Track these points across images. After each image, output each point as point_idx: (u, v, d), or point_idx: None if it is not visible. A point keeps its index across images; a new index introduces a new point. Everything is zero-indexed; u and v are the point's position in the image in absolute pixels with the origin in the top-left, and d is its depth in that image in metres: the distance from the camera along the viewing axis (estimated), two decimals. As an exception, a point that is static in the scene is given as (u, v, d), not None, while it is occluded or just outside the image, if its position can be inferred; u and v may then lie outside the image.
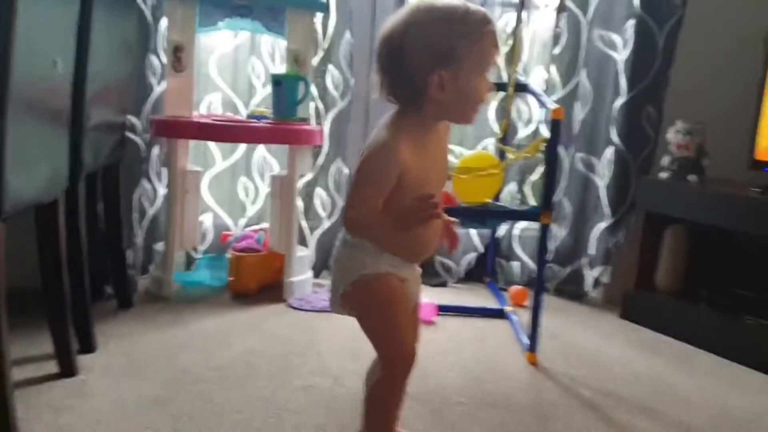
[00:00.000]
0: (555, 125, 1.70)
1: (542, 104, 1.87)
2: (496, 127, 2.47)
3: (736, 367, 1.93)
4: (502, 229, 2.56)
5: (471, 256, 2.57)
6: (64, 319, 1.57)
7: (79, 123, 1.58)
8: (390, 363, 1.20)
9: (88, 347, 1.72)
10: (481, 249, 2.57)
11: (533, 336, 1.84)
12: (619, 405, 1.63)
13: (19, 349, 1.68)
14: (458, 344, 1.96)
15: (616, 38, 2.36)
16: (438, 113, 1.14)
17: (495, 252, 2.56)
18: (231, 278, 2.24)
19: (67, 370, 1.59)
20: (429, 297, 2.27)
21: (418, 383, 1.65)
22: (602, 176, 2.42)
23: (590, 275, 2.45)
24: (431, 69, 1.08)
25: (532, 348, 1.85)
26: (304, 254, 2.32)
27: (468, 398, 1.61)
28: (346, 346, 1.84)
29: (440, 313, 2.18)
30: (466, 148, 2.49)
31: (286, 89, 2.16)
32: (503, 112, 2.28)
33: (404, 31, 1.10)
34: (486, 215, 1.91)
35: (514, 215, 2.16)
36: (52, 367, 1.59)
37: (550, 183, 1.75)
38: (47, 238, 1.53)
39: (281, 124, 2.15)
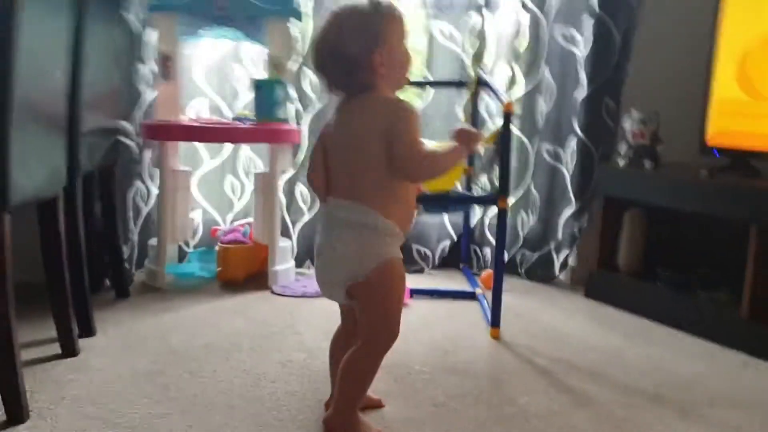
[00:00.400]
0: (506, 118, 1.86)
1: (498, 99, 2.03)
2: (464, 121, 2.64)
3: (687, 337, 2.09)
4: (475, 218, 2.73)
5: (445, 244, 2.74)
6: (65, 305, 1.73)
7: (74, 127, 1.75)
8: (385, 339, 1.35)
9: (88, 331, 1.89)
10: (455, 237, 2.74)
11: (495, 312, 2.00)
12: (571, 371, 1.79)
13: (28, 334, 1.86)
14: (428, 323, 2.12)
15: (576, 34, 2.53)
16: (388, 84, 1.36)
17: (469, 239, 2.73)
18: (219, 269, 2.42)
19: (70, 350, 1.75)
20: (407, 282, 2.43)
21: (386, 357, 1.82)
22: (568, 166, 2.59)
23: (558, 258, 2.61)
24: (370, 51, 1.30)
25: (494, 323, 2.01)
26: (287, 245, 2.49)
27: (430, 367, 1.77)
28: (322, 327, 2.00)
29: (413, 296, 2.35)
30: (438, 141, 2.64)
31: (266, 93, 2.33)
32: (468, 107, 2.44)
33: (338, 32, 1.32)
34: (448, 202, 2.07)
35: (473, 200, 2.33)
36: (56, 349, 1.76)
37: (504, 170, 1.91)
38: (49, 233, 1.69)
39: (262, 125, 2.32)
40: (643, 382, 1.74)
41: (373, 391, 1.57)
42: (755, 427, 1.50)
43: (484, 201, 2.24)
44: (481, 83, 2.29)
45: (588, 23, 2.47)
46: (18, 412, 1.39)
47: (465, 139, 1.40)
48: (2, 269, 1.36)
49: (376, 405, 1.53)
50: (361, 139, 1.32)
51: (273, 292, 2.36)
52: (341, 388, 1.37)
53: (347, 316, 1.45)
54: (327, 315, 1.98)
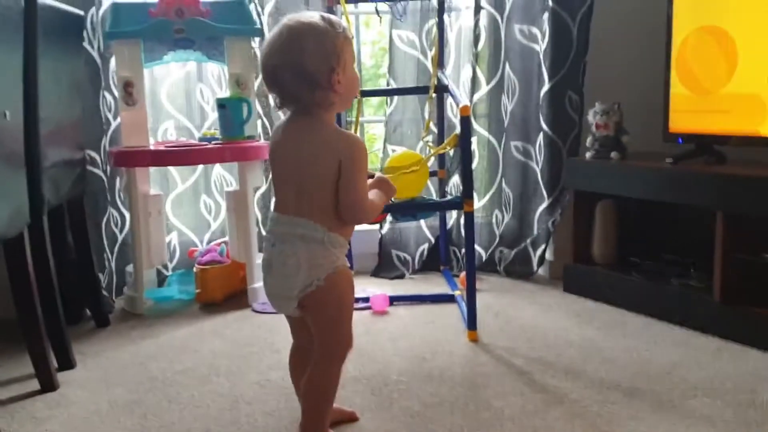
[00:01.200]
0: (464, 121, 1.87)
1: (456, 102, 2.04)
2: (434, 128, 2.64)
3: (663, 325, 2.11)
4: (451, 220, 2.74)
5: (423, 247, 2.75)
6: (40, 340, 1.74)
7: (35, 163, 1.75)
8: (339, 349, 1.37)
9: (67, 364, 1.90)
10: (432, 240, 2.75)
11: (471, 314, 2.02)
12: (547, 370, 1.80)
13: (6, 372, 1.88)
14: (407, 330, 2.13)
15: (535, 31, 2.54)
16: (340, 103, 1.37)
17: (447, 241, 2.74)
18: (198, 290, 2.42)
19: (48, 385, 1.76)
20: (387, 289, 2.45)
21: (363, 368, 1.84)
22: (537, 161, 2.60)
23: (535, 254, 2.63)
24: (331, 70, 1.30)
25: (471, 326, 2.02)
26: (265, 261, 2.50)
27: (408, 376, 1.78)
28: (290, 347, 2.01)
29: (393, 303, 2.36)
30: (409, 148, 2.66)
31: (230, 111, 2.34)
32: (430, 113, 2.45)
33: (300, 47, 1.28)
34: (415, 208, 2.08)
35: (439, 206, 2.34)
36: (34, 384, 1.77)
37: (466, 173, 1.92)
38: (17, 271, 1.70)
39: (229, 143, 2.33)
40: (619, 375, 1.75)
41: (349, 405, 1.59)
42: (727, 415, 1.52)
43: (450, 205, 2.26)
44: (441, 87, 2.30)
45: (545, 18, 2.48)
46: (-7, 455, 1.41)
47: (388, 189, 1.46)
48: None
49: (350, 418, 1.54)
50: (313, 163, 1.32)
51: (253, 310, 2.37)
52: (307, 407, 1.39)
53: (299, 332, 1.46)
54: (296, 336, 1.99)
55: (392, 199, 2.03)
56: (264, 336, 2.11)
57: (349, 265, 1.40)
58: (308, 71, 1.29)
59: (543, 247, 2.60)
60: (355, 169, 1.32)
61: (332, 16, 1.36)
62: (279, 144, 1.38)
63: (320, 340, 1.38)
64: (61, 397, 1.73)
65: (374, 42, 3.14)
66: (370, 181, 1.42)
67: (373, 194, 1.41)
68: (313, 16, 1.33)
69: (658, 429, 1.46)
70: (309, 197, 1.33)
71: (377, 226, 2.74)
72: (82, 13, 2.17)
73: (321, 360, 1.37)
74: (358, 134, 2.28)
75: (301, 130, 1.35)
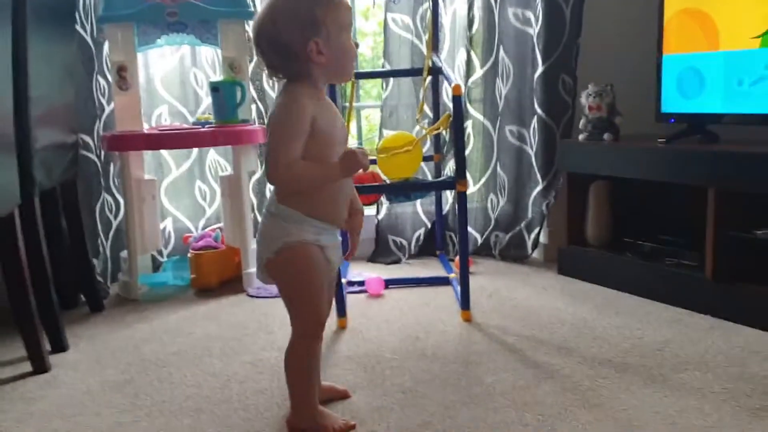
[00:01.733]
0: (456, 101, 1.87)
1: (449, 82, 2.03)
2: (429, 112, 2.64)
3: (656, 305, 2.11)
4: (447, 205, 2.74)
5: (420, 232, 2.75)
6: (31, 322, 1.74)
7: (25, 144, 1.76)
8: (302, 325, 1.36)
9: (60, 347, 1.90)
10: (428, 225, 2.75)
11: (464, 294, 2.02)
12: (540, 347, 1.80)
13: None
14: (402, 312, 2.13)
15: (529, 15, 2.54)
16: (324, 75, 1.33)
17: (443, 226, 2.74)
18: (193, 276, 2.42)
19: (40, 367, 1.77)
20: (383, 274, 2.45)
21: (357, 348, 1.84)
22: (531, 145, 2.60)
23: (529, 237, 2.62)
24: (306, 40, 1.27)
25: (464, 306, 2.03)
26: (259, 246, 2.50)
27: (401, 354, 1.78)
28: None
29: (389, 286, 2.36)
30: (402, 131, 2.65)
31: (224, 95, 2.33)
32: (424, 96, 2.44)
33: (273, 17, 1.28)
34: (408, 188, 2.08)
35: (433, 186, 2.34)
36: (27, 367, 1.77)
37: (459, 153, 1.92)
38: (7, 252, 1.71)
39: (223, 127, 2.33)
40: (611, 351, 1.75)
41: (342, 383, 1.59)
42: (717, 387, 1.52)
43: (443, 185, 2.25)
44: (435, 70, 2.30)
45: (538, 2, 2.47)
46: (-16, 432, 1.41)
47: (348, 162, 1.33)
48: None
49: (342, 396, 1.54)
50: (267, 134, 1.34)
51: (248, 295, 2.37)
52: (288, 384, 1.39)
53: None
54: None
55: (386, 179, 2.05)
56: (258, 319, 2.11)
57: (312, 240, 1.34)
58: (282, 42, 1.28)
59: (537, 230, 2.60)
60: (271, 128, 1.30)
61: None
62: None
63: (290, 315, 1.39)
64: (53, 378, 1.73)
65: (376, 33, 3.12)
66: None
67: (321, 165, 1.32)
68: None
69: (648, 401, 1.46)
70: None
71: (374, 211, 2.74)
72: (74, -5, 2.17)
73: (292, 335, 1.38)
74: (353, 118, 2.29)
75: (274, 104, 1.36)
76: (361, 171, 1.37)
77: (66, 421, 1.48)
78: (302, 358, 1.38)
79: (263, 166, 2.59)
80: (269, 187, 2.63)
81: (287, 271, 1.35)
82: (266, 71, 1.35)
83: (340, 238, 1.43)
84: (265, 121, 2.54)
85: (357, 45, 1.37)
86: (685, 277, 2.07)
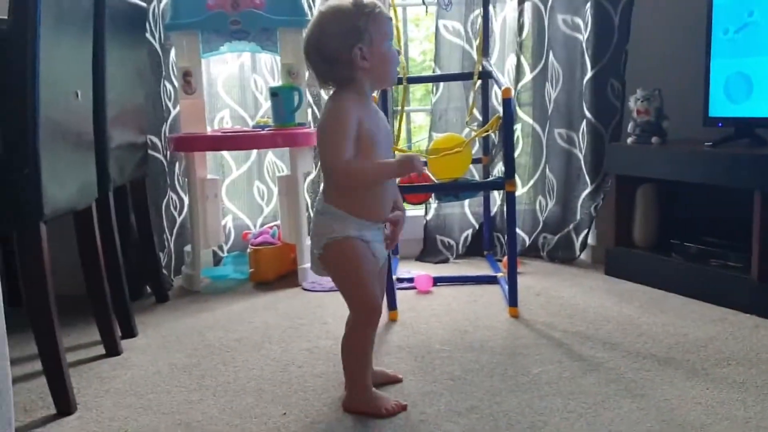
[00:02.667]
0: (506, 103, 1.95)
1: (499, 86, 2.11)
2: (478, 115, 2.71)
3: (701, 304, 2.14)
4: (495, 207, 2.81)
5: (467, 233, 2.83)
6: (105, 307, 1.87)
7: (102, 142, 1.90)
8: (357, 313, 1.47)
9: (129, 333, 2.04)
10: (476, 225, 2.82)
11: (512, 291, 2.08)
12: (585, 342, 1.86)
13: (75, 338, 2.03)
14: (450, 307, 2.21)
15: (578, 21, 2.60)
16: (369, 80, 1.45)
17: (491, 227, 2.80)
18: (251, 270, 2.55)
19: (112, 350, 1.90)
20: (431, 272, 2.53)
21: (408, 339, 1.93)
22: (580, 148, 2.65)
23: (578, 239, 2.67)
24: (350, 47, 1.39)
25: (512, 303, 2.09)
26: (314, 243, 2.61)
27: (450, 346, 1.86)
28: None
29: (437, 283, 2.44)
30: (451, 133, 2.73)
31: (282, 99, 2.46)
32: (474, 100, 2.52)
33: (320, 28, 1.42)
34: (457, 188, 2.16)
35: (482, 186, 2.41)
36: (101, 350, 1.91)
37: (509, 154, 1.99)
38: (86, 242, 1.84)
39: (281, 130, 2.45)
40: (655, 347, 1.80)
41: (394, 369, 1.68)
42: (760, 381, 1.56)
43: (492, 186, 2.33)
44: (485, 74, 2.37)
45: (588, 7, 2.53)
46: (66, 406, 1.55)
47: (405, 163, 1.43)
48: (42, 274, 1.50)
49: (394, 380, 1.62)
50: (317, 137, 1.47)
51: (303, 289, 2.48)
52: (344, 368, 1.50)
53: None
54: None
55: (435, 179, 2.14)
56: (313, 310, 2.21)
57: (356, 236, 1.44)
58: (328, 51, 1.40)
59: (585, 232, 2.65)
60: (325, 132, 1.42)
61: (367, 0, 1.42)
62: None
63: (347, 304, 1.50)
64: (125, 360, 1.86)
65: (426, 38, 3.22)
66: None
67: (377, 163, 1.42)
68: (343, 1, 1.41)
69: (690, 393, 1.51)
70: (325, 174, 1.49)
71: (422, 212, 2.82)
72: (144, 5, 2.32)
73: (350, 321, 1.49)
74: (403, 123, 2.38)
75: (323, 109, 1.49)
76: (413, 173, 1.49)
77: (139, 398, 1.60)
78: (357, 343, 1.48)
79: (317, 168, 2.70)
80: (322, 188, 2.73)
81: (336, 263, 1.46)
82: (317, 81, 1.48)
83: (386, 232, 1.53)
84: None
85: (399, 52, 1.49)
86: (730, 278, 2.10)
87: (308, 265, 2.51)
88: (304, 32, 2.48)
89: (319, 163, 1.53)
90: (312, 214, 2.71)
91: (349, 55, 1.39)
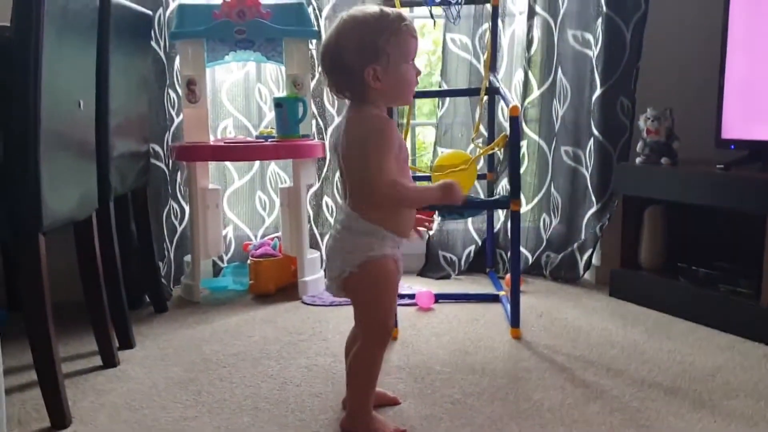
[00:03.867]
0: (513, 121, 1.92)
1: (506, 103, 2.08)
2: (484, 131, 2.68)
3: (708, 331, 2.10)
4: (498, 223, 2.78)
5: (470, 249, 2.79)
6: (104, 318, 1.85)
7: (104, 152, 1.88)
8: (374, 334, 1.42)
9: (127, 344, 2.01)
10: (479, 242, 2.79)
11: (514, 312, 2.05)
12: (589, 367, 1.82)
13: (72, 348, 2.00)
14: (451, 326, 2.18)
15: (589, 37, 2.57)
16: (382, 99, 1.40)
17: (493, 244, 2.77)
18: (251, 281, 2.52)
19: (109, 362, 1.87)
20: (433, 288, 2.50)
21: (408, 359, 1.89)
22: (587, 166, 2.62)
23: (582, 259, 2.64)
24: (365, 65, 1.34)
25: (514, 324, 2.06)
26: (315, 256, 2.58)
27: (450, 367, 1.83)
28: (349, 332, 2.08)
29: (438, 300, 2.40)
30: (456, 149, 2.70)
31: (287, 110, 2.43)
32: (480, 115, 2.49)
33: (338, 39, 1.36)
34: (462, 206, 2.12)
35: (487, 204, 2.38)
36: (98, 361, 1.88)
37: (514, 173, 1.96)
38: (85, 253, 1.81)
39: (285, 141, 2.42)
40: (661, 375, 1.76)
41: (393, 391, 1.65)
42: (769, 415, 1.52)
43: (497, 204, 2.30)
44: (492, 90, 2.35)
45: (599, 23, 2.50)
46: (60, 419, 1.51)
47: (447, 191, 1.40)
48: (40, 285, 1.47)
49: (392, 402, 1.59)
50: (349, 150, 1.39)
51: (303, 302, 2.44)
52: (349, 386, 1.45)
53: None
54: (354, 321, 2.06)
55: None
56: (313, 325, 2.18)
57: (390, 254, 1.41)
58: (344, 63, 1.35)
59: (590, 251, 2.61)
60: (369, 148, 1.34)
61: (392, 12, 1.37)
62: (335, 136, 1.47)
63: (359, 324, 1.45)
64: (122, 372, 1.83)
65: (431, 52, 3.19)
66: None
67: (420, 187, 1.44)
68: (367, 10, 1.37)
69: (697, 426, 1.48)
70: (350, 185, 1.41)
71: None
72: (150, 13, 2.29)
73: (361, 342, 1.44)
74: (408, 137, 2.35)
75: (347, 120, 1.42)
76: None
77: (134, 413, 1.57)
78: (371, 365, 1.44)
79: (320, 180, 2.67)
80: (325, 201, 2.71)
81: (368, 283, 1.40)
82: (329, 89, 1.43)
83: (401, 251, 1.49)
84: (326, 136, 2.63)
85: (419, 72, 1.42)
86: (739, 304, 2.06)
87: (309, 278, 2.50)
88: (310, 43, 2.53)
89: (344, 177, 1.44)
90: (317, 227, 2.71)
91: (362, 73, 1.34)
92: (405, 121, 2.30)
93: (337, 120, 2.64)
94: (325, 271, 1.49)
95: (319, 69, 1.44)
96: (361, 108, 1.40)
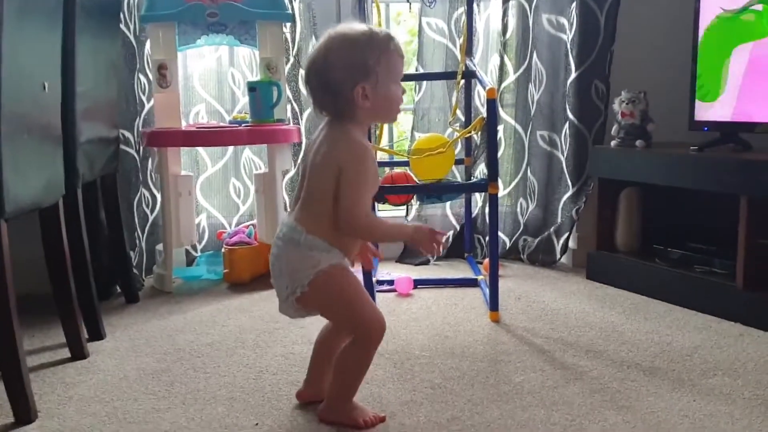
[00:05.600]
0: (490, 104, 1.90)
1: (483, 86, 2.06)
2: (461, 116, 2.66)
3: (685, 311, 2.11)
4: (476, 208, 2.76)
5: (448, 235, 2.77)
6: (71, 309, 1.79)
7: (71, 137, 1.82)
8: (366, 334, 1.38)
9: (97, 335, 1.95)
10: (457, 227, 2.77)
11: (493, 296, 2.04)
12: (568, 349, 1.82)
13: (39, 341, 1.94)
14: (431, 311, 2.16)
15: (563, 21, 2.56)
16: (369, 117, 1.40)
17: (471, 229, 2.76)
18: (226, 270, 2.47)
19: (78, 354, 1.82)
20: (412, 274, 2.48)
21: (386, 344, 1.85)
22: (563, 150, 2.61)
23: (558, 242, 2.63)
24: (354, 84, 1.31)
25: (493, 307, 2.04)
26: (291, 243, 2.54)
27: (430, 352, 1.81)
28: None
29: (417, 286, 2.38)
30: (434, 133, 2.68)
31: (260, 94, 2.38)
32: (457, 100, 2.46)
33: (325, 57, 1.33)
34: (440, 190, 2.11)
35: (465, 188, 2.37)
36: (66, 353, 1.82)
37: (492, 156, 1.95)
38: (51, 241, 1.76)
39: (259, 126, 2.37)
40: (640, 356, 1.76)
41: (372, 377, 1.62)
42: (747, 393, 1.52)
43: (475, 187, 2.28)
44: (468, 74, 2.33)
45: (573, 7, 2.49)
46: (25, 414, 1.46)
47: (420, 236, 1.38)
48: (2, 274, 1.41)
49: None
50: (320, 168, 1.36)
51: (279, 290, 2.40)
52: (336, 382, 1.41)
53: None
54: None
55: (418, 180, 2.09)
56: (289, 313, 2.15)
57: (337, 261, 1.37)
58: (331, 81, 1.32)
59: (566, 235, 2.61)
60: (350, 177, 1.32)
61: (381, 32, 1.36)
62: (308, 148, 1.43)
63: (348, 330, 1.41)
64: (91, 364, 1.78)
65: (408, 42, 3.16)
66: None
67: (394, 224, 1.44)
68: (356, 28, 1.35)
69: (677, 405, 1.47)
70: (310, 203, 1.37)
71: (403, 211, 2.76)
72: (119, -5, 2.24)
73: (356, 342, 1.39)
74: (384, 129, 2.32)
75: (324, 137, 1.39)
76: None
77: (105, 405, 1.53)
78: (363, 362, 1.40)
79: (296, 166, 2.63)
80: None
81: (331, 292, 1.36)
82: (313, 105, 1.40)
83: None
84: (301, 120, 2.59)
85: (404, 91, 1.42)
86: (715, 285, 2.07)
87: (285, 265, 2.45)
88: (284, 26, 2.49)
89: (302, 185, 1.41)
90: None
91: (351, 92, 1.32)
92: (378, 132, 2.26)
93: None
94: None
95: (304, 86, 1.42)
96: (342, 125, 1.36)
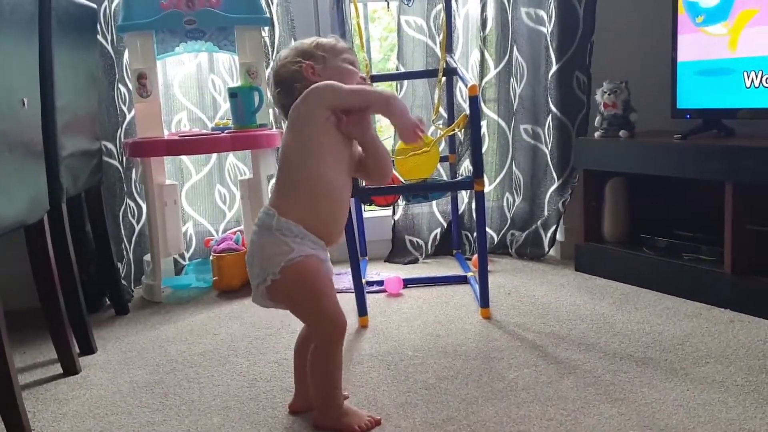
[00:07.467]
0: (472, 101, 1.89)
1: (464, 83, 2.06)
2: (444, 113, 2.66)
3: (675, 300, 2.12)
4: (462, 205, 2.76)
5: (436, 232, 2.78)
6: (61, 325, 1.78)
7: (53, 152, 1.80)
8: (326, 330, 1.37)
9: (88, 349, 1.94)
10: (444, 224, 2.78)
11: (483, 292, 2.04)
12: (560, 343, 1.82)
13: (31, 357, 1.93)
14: (422, 310, 2.16)
15: (542, 14, 2.56)
16: None
17: (459, 226, 2.76)
18: (215, 278, 2.46)
19: (70, 369, 1.81)
20: (401, 274, 2.47)
21: (379, 346, 1.87)
22: (547, 143, 2.62)
23: (546, 235, 2.64)
24: (302, 64, 1.42)
25: (483, 304, 2.05)
26: (279, 248, 2.53)
27: (423, 352, 1.81)
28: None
29: (407, 285, 2.38)
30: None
31: (242, 100, 2.37)
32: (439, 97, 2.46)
33: (276, 62, 1.49)
34: (426, 189, 2.11)
35: (451, 186, 2.37)
36: (58, 369, 1.81)
37: (476, 153, 1.94)
38: (38, 257, 1.74)
39: (241, 132, 2.36)
40: (632, 346, 1.77)
41: (366, 380, 1.62)
42: (740, 380, 1.54)
43: (461, 185, 2.28)
44: (449, 71, 2.32)
45: (551, 0, 2.49)
46: (19, 432, 1.44)
47: (391, 101, 1.37)
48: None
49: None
50: (284, 141, 1.43)
51: (269, 296, 2.40)
52: (315, 388, 1.42)
53: None
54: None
55: (403, 180, 2.08)
56: (280, 319, 2.13)
57: (312, 254, 1.36)
58: (285, 75, 1.43)
59: (554, 228, 2.61)
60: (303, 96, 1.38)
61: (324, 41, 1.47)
62: None
63: (308, 325, 1.43)
64: (83, 379, 1.77)
65: (383, 38, 3.16)
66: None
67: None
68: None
69: (671, 395, 1.48)
70: (281, 184, 1.41)
71: (390, 212, 2.76)
72: (94, 6, 2.21)
73: (316, 342, 1.40)
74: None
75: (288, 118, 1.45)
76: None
77: (99, 421, 1.52)
78: (329, 361, 1.39)
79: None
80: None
81: (298, 285, 1.35)
82: (279, 112, 1.52)
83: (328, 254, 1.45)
84: (284, 125, 2.57)
85: (364, 79, 1.49)
86: (703, 272, 2.09)
87: (274, 270, 2.45)
88: (263, 30, 2.47)
89: (277, 171, 1.44)
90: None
91: (301, 73, 1.41)
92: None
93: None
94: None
95: (273, 100, 1.51)
96: None
